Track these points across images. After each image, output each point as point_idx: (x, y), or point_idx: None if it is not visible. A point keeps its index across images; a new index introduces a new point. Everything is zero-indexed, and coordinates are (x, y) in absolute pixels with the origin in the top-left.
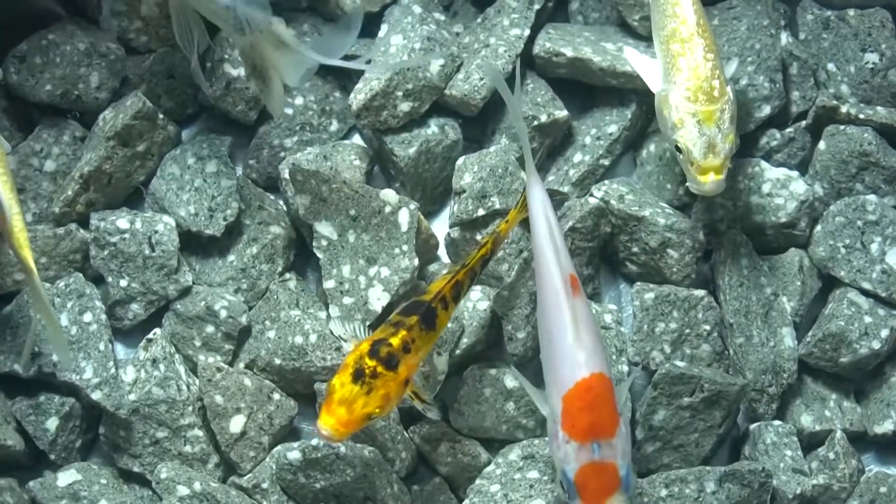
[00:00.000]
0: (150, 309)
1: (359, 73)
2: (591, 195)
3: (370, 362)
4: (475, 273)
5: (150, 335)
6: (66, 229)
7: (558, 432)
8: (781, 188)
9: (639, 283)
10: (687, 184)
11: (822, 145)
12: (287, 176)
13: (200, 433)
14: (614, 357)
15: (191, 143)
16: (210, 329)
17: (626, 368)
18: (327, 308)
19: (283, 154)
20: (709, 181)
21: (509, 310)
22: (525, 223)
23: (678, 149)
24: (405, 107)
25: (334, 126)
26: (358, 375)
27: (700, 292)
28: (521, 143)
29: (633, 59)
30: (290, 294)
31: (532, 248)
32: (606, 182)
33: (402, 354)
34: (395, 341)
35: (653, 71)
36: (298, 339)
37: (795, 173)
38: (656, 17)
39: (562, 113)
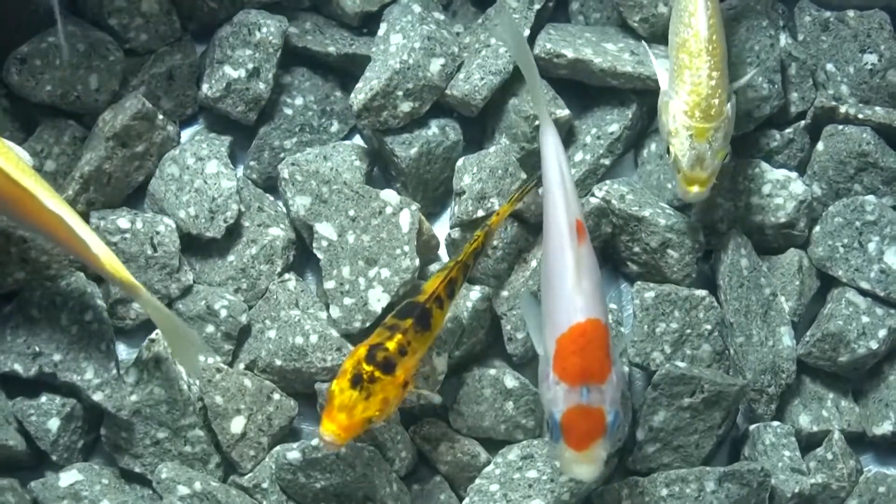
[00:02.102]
0: None
1: (359, 73)
2: (593, 195)
3: (367, 367)
4: (468, 267)
5: (153, 335)
6: None
7: (549, 374)
8: (781, 189)
9: (639, 283)
10: (673, 185)
11: (820, 146)
12: (287, 177)
13: (201, 433)
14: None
15: (190, 143)
16: (210, 329)
17: (626, 369)
18: (328, 308)
19: (283, 155)
20: (692, 191)
21: (509, 310)
22: (520, 219)
23: (669, 152)
24: (406, 107)
25: (335, 127)
26: (356, 381)
27: (701, 292)
28: (532, 90)
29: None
30: (289, 294)
31: (543, 193)
32: (607, 182)
33: (399, 358)
34: (391, 345)
35: (665, 68)
36: (299, 340)
37: (795, 174)
38: (674, 19)
39: (563, 112)
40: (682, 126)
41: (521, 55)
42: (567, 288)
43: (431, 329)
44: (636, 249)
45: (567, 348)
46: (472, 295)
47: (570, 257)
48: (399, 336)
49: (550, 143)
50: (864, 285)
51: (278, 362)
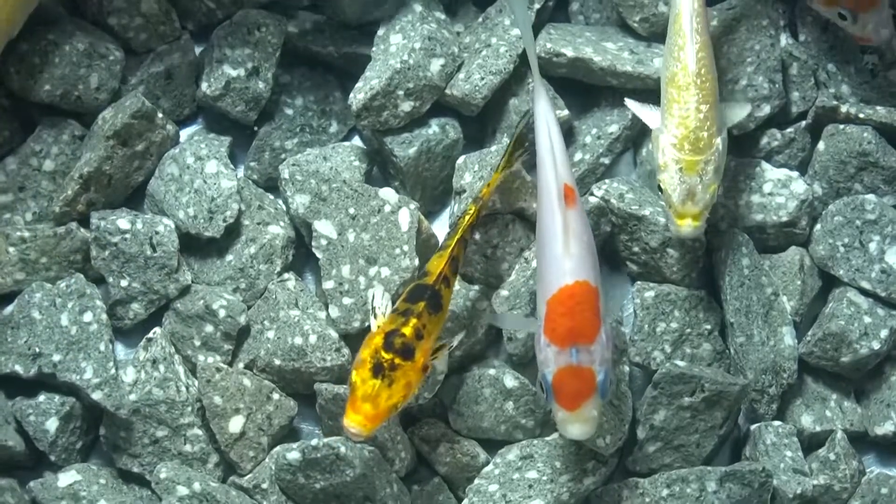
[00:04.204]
0: (151, 308)
1: (359, 72)
2: (592, 194)
3: (387, 355)
4: (466, 242)
5: (150, 335)
6: (66, 229)
7: (541, 336)
8: (782, 188)
9: (639, 283)
10: (667, 223)
11: (821, 145)
12: (287, 177)
13: (200, 433)
14: (615, 357)
15: (189, 143)
16: (209, 328)
17: (626, 369)
18: (327, 308)
19: (283, 156)
20: (685, 226)
21: (509, 309)
22: (520, 218)
23: (660, 189)
24: (406, 107)
25: (334, 127)
26: (377, 370)
27: (701, 292)
28: (529, 56)
29: (633, 106)
30: (288, 294)
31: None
32: (607, 181)
33: (417, 342)
34: (407, 330)
35: (650, 111)
36: (298, 340)
37: (796, 173)
38: (665, 55)
39: (563, 112)
40: (671, 160)
41: (521, 21)
42: (556, 251)
43: (443, 309)
44: (635, 249)
45: (556, 310)
46: (472, 294)
47: (558, 221)
48: (414, 320)
49: (541, 110)
50: (865, 285)
51: (277, 362)
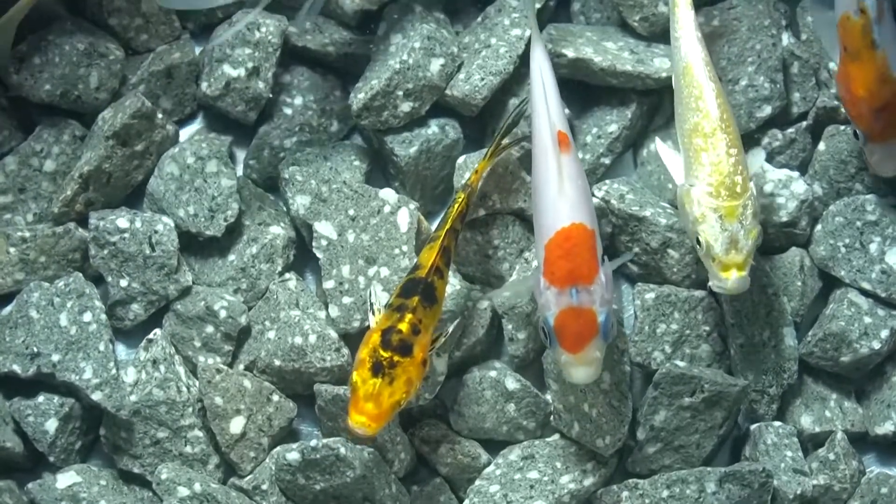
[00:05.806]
0: (151, 309)
1: (359, 72)
2: (592, 195)
3: (385, 353)
4: (457, 232)
5: (151, 335)
6: (64, 228)
7: (540, 280)
8: (783, 188)
9: (639, 284)
10: (710, 283)
11: (821, 146)
12: (287, 177)
13: (201, 434)
14: (615, 357)
15: (189, 143)
16: (210, 329)
17: (627, 369)
18: (327, 308)
19: (283, 154)
20: (731, 278)
21: (510, 309)
22: (520, 218)
23: (699, 243)
24: (406, 107)
25: (335, 127)
26: (377, 369)
27: (700, 293)
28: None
29: (662, 151)
30: (289, 294)
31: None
32: (607, 182)
33: (414, 337)
34: (403, 327)
35: (677, 163)
36: (298, 340)
37: (796, 173)
38: (679, 109)
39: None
40: (709, 209)
41: None
42: (551, 195)
43: (438, 301)
44: (636, 250)
45: (554, 252)
46: (473, 294)
47: (552, 166)
48: (409, 315)
49: (536, 59)
50: (866, 286)
51: (277, 363)
